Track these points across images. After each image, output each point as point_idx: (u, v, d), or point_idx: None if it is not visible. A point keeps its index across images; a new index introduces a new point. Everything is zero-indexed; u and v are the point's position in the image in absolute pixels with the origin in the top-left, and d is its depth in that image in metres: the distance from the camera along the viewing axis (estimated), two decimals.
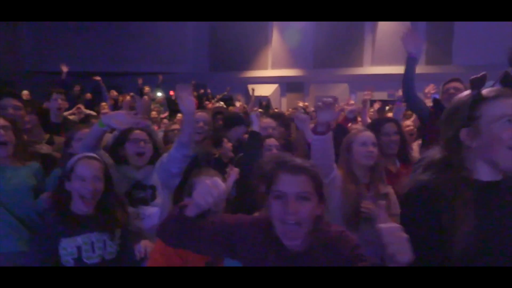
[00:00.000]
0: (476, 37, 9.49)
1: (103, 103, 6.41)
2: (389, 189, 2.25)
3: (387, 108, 6.25)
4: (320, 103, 1.77)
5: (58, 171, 2.35)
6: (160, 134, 3.49)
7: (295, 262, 1.22)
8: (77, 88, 7.41)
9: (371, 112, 5.16)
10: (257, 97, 8.06)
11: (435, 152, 1.24)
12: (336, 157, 2.20)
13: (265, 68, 13.59)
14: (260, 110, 7.22)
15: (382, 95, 8.50)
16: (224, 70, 13.71)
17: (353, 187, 2.14)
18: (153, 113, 6.23)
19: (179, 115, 5.12)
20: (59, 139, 3.02)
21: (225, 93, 10.64)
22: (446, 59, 10.55)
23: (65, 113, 3.97)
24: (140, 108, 3.08)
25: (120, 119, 2.09)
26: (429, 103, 3.32)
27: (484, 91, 1.15)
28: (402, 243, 0.96)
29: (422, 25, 10.64)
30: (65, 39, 13.31)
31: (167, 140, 3.34)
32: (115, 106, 7.18)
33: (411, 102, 2.92)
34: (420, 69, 2.93)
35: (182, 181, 2.23)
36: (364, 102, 3.93)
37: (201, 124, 2.82)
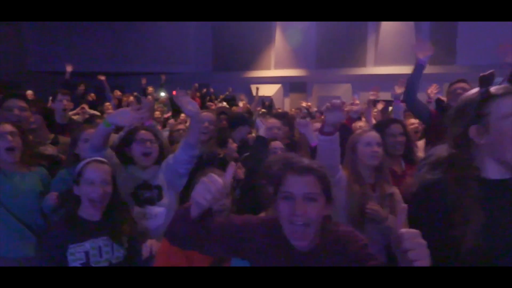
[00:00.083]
0: (480, 37, 9.42)
1: (107, 103, 6.41)
2: (394, 190, 2.25)
3: (390, 108, 6.22)
4: (328, 104, 1.77)
5: (63, 172, 2.37)
6: (164, 134, 3.50)
7: (303, 263, 1.22)
8: (81, 87, 7.40)
9: (375, 112, 5.15)
10: (260, 97, 8.06)
11: (442, 150, 1.23)
12: (341, 157, 2.20)
13: (268, 68, 13.54)
14: (263, 110, 7.23)
15: (386, 95, 8.43)
16: (227, 70, 13.68)
17: (358, 187, 2.14)
18: (157, 113, 6.23)
19: (182, 114, 5.13)
20: (64, 139, 3.02)
21: (227, 93, 10.65)
22: (450, 59, 10.48)
23: (69, 113, 3.98)
24: (145, 107, 3.08)
25: (125, 116, 2.09)
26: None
27: (493, 89, 1.15)
28: (422, 249, 0.95)
29: (425, 25, 10.61)
30: (68, 39, 13.31)
31: (173, 140, 3.36)
32: (119, 106, 7.16)
33: (411, 104, 2.94)
34: None
35: (188, 181, 2.24)
36: (369, 102, 3.92)
37: (206, 124, 2.83)
